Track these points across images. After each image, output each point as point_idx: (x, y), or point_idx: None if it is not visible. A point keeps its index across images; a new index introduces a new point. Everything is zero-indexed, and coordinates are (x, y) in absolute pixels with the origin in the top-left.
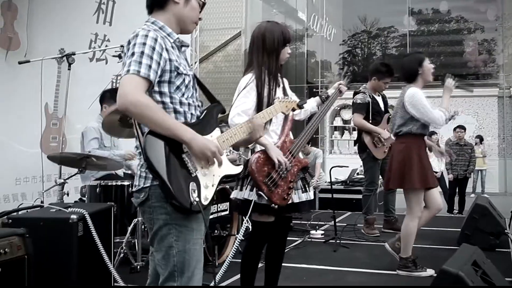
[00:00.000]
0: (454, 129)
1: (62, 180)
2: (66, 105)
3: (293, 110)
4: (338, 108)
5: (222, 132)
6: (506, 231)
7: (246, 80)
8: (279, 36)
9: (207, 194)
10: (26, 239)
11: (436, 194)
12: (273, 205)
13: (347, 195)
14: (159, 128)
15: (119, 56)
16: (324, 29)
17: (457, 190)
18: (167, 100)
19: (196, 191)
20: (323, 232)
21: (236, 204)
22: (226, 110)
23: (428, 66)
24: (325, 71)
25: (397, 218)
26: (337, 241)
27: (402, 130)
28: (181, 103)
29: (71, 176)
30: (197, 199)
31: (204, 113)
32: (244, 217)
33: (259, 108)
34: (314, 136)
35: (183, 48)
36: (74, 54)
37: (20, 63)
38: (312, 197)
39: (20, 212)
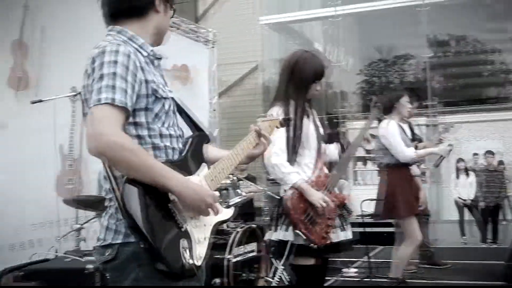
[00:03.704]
0: (484, 155)
1: (79, 225)
2: (82, 146)
3: (277, 127)
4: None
5: (208, 168)
6: None
7: (273, 114)
8: (310, 71)
9: (200, 251)
10: None
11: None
12: (311, 244)
13: (378, 229)
14: (141, 176)
15: None
16: (342, 59)
17: (489, 219)
18: (145, 132)
19: (187, 250)
20: (356, 270)
21: (271, 246)
22: (211, 139)
23: (404, 103)
24: (343, 101)
25: (433, 252)
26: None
27: (385, 162)
28: (161, 135)
29: (88, 221)
30: (190, 261)
31: (187, 147)
32: (278, 260)
33: (288, 143)
34: None
35: (156, 62)
36: None
37: (32, 102)
38: (351, 236)
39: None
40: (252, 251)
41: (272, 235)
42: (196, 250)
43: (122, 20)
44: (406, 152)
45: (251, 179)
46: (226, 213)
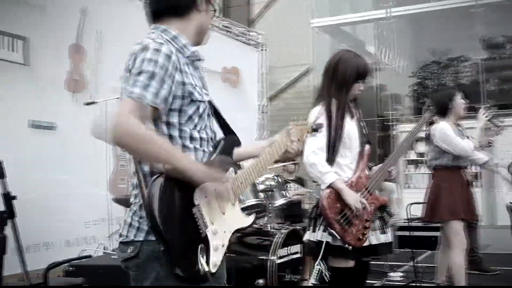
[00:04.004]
0: None
1: None
2: None
3: (308, 133)
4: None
5: (236, 172)
6: None
7: (315, 113)
8: (352, 70)
9: (216, 258)
10: None
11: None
12: (346, 245)
13: (426, 233)
14: (157, 160)
15: None
16: (395, 62)
17: None
18: (176, 133)
19: (205, 256)
20: (402, 274)
21: (309, 247)
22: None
23: (459, 101)
24: (396, 104)
25: (481, 258)
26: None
27: (435, 164)
28: (191, 137)
29: None
30: (207, 268)
31: (217, 150)
32: (314, 261)
33: (329, 143)
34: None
35: (196, 63)
36: None
37: (86, 104)
38: (391, 239)
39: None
40: (296, 253)
41: (311, 236)
42: (213, 257)
43: (164, 19)
44: (465, 144)
45: (300, 181)
46: (246, 220)
